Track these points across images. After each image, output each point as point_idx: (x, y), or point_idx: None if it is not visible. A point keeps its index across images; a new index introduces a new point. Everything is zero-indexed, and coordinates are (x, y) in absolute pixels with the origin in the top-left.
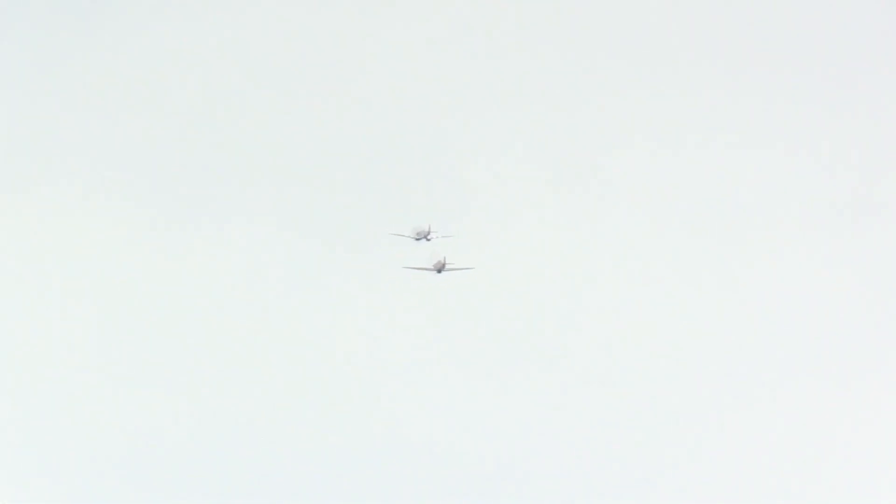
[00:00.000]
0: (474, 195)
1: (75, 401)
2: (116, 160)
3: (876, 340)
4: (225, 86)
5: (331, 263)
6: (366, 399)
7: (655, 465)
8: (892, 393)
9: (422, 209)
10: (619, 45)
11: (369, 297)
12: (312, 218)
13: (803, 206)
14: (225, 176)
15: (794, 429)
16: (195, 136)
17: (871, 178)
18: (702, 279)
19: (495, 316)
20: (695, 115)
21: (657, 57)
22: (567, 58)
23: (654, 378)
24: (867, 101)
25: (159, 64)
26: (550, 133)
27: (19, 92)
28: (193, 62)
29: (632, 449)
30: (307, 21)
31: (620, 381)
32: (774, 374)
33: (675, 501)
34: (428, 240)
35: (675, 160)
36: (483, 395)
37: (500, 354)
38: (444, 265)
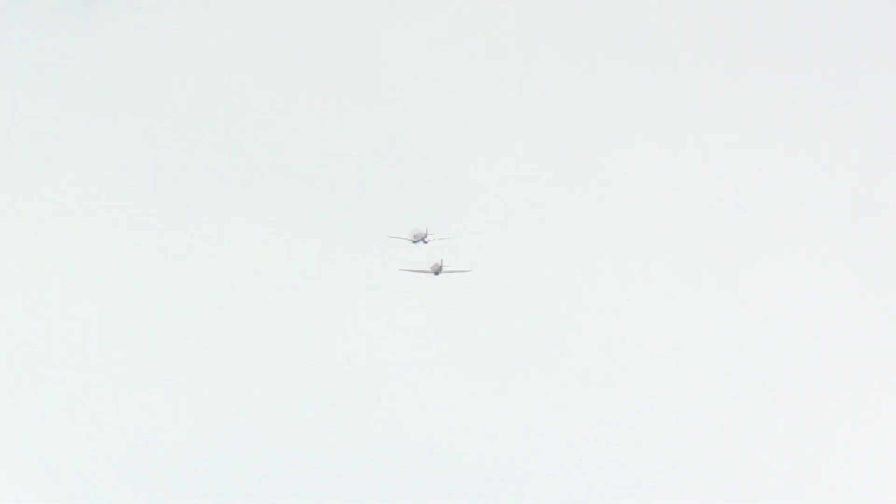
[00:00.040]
0: (473, 196)
1: (75, 401)
2: (117, 160)
3: (876, 340)
4: (225, 86)
5: (329, 264)
6: (364, 399)
7: (655, 465)
8: (892, 393)
9: (421, 210)
10: (619, 45)
11: (367, 297)
12: (311, 219)
13: (804, 207)
14: (225, 176)
15: (795, 429)
16: (195, 137)
17: (871, 178)
18: (702, 279)
19: (494, 316)
20: (695, 115)
21: (657, 57)
22: (567, 58)
23: (654, 378)
24: (867, 102)
25: (159, 64)
26: (550, 133)
27: (19, 92)
28: (193, 62)
29: (632, 449)
30: (308, 21)
31: (620, 382)
32: (774, 374)
33: (675, 501)
34: (425, 242)
35: (676, 160)
36: (482, 395)
37: (498, 355)
38: (441, 267)
